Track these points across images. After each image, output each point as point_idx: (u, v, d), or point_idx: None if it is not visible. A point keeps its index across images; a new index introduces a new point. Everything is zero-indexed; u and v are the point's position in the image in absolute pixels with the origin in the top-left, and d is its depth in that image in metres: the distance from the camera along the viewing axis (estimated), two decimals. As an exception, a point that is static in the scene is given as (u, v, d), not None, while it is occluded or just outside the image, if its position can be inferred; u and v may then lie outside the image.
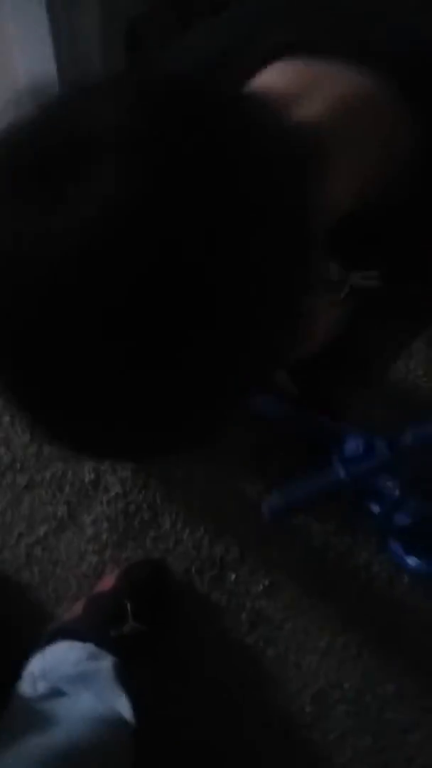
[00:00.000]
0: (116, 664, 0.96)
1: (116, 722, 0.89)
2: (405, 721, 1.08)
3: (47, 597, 1.11)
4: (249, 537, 1.14)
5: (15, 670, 0.97)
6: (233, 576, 1.12)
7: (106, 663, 0.96)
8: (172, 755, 1.03)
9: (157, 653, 1.07)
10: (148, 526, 1.14)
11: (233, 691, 1.08)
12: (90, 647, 0.97)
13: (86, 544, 1.13)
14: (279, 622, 1.11)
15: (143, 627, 1.03)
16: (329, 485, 0.92)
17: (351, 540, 1.14)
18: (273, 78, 0.43)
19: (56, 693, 0.93)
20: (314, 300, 0.39)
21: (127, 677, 0.95)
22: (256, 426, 1.19)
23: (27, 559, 1.13)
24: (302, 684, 1.09)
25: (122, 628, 1.02)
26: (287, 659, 1.10)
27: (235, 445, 1.19)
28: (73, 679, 0.94)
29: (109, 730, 0.87)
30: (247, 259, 0.33)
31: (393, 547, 1.12)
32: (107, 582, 1.08)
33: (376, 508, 1.09)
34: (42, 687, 0.93)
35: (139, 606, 1.04)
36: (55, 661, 0.97)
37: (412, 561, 1.11)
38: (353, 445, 0.92)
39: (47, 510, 1.15)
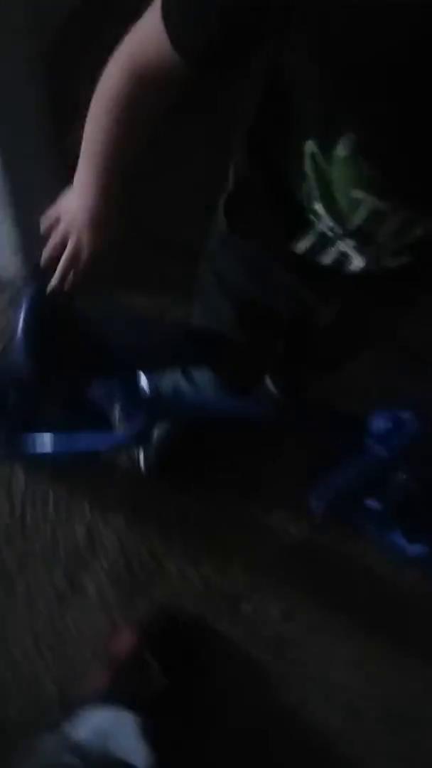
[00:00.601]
0: (141, 721, 0.91)
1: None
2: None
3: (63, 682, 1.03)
4: (255, 564, 1.12)
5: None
6: (248, 606, 1.10)
7: (129, 721, 0.92)
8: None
9: (186, 703, 1.03)
10: (154, 574, 1.09)
11: (268, 729, 1.06)
12: (116, 709, 0.92)
13: (94, 611, 1.06)
14: (302, 642, 1.10)
15: (171, 681, 1.00)
16: (371, 465, 0.89)
17: (353, 547, 1.15)
18: None
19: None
20: None
21: (152, 733, 0.91)
22: (242, 448, 1.17)
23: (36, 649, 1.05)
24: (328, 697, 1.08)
25: (153, 687, 0.98)
26: (314, 677, 1.09)
27: (224, 470, 1.16)
28: (95, 736, 0.89)
29: None
30: None
31: (394, 538, 1.10)
32: (123, 643, 1.02)
33: (374, 504, 1.08)
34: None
35: (164, 662, 0.99)
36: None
37: (414, 548, 1.11)
38: (380, 423, 0.89)
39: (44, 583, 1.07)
